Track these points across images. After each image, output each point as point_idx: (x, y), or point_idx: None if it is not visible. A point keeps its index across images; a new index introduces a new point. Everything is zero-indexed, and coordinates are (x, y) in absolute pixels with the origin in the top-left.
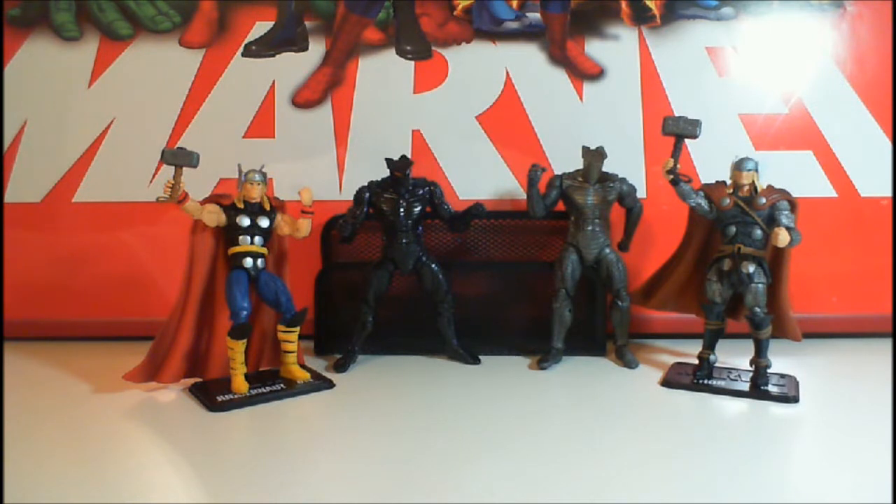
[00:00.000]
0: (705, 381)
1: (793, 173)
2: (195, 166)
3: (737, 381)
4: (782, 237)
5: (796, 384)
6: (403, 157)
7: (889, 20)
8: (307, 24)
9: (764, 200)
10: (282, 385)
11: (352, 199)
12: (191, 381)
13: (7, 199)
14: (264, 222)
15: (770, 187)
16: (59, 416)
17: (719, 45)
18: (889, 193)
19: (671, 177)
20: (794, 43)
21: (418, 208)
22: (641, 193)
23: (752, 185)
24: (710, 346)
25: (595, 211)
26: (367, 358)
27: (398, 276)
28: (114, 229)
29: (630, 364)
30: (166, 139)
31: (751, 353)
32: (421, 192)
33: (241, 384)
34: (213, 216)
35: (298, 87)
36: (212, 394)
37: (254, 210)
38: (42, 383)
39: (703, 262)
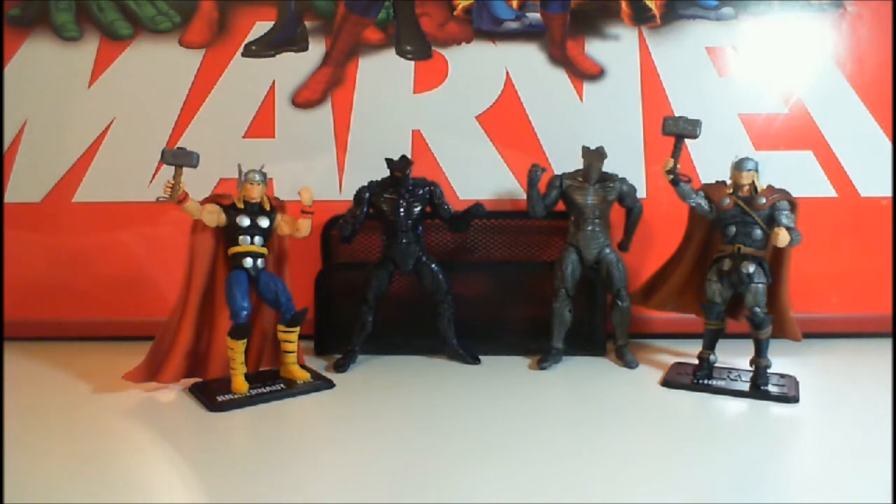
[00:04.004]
0: (705, 381)
1: (793, 173)
2: (195, 166)
3: (737, 381)
4: (782, 237)
5: (796, 384)
6: (403, 157)
7: (889, 20)
8: (307, 24)
9: (764, 200)
10: (282, 385)
11: (352, 199)
12: (191, 381)
13: (7, 199)
14: (264, 222)
15: (770, 187)
16: (59, 416)
17: (719, 45)
18: (889, 193)
19: (671, 177)
20: (794, 43)
21: (418, 208)
22: (641, 193)
23: (752, 185)
24: (710, 346)
25: (595, 211)
26: (367, 358)
27: (398, 276)
28: (114, 229)
29: (630, 364)
30: (166, 139)
31: (751, 353)
32: (421, 192)
33: (241, 384)
34: (213, 216)
35: (298, 87)
36: (212, 394)
37: (254, 210)
38: (42, 383)
39: (703, 262)
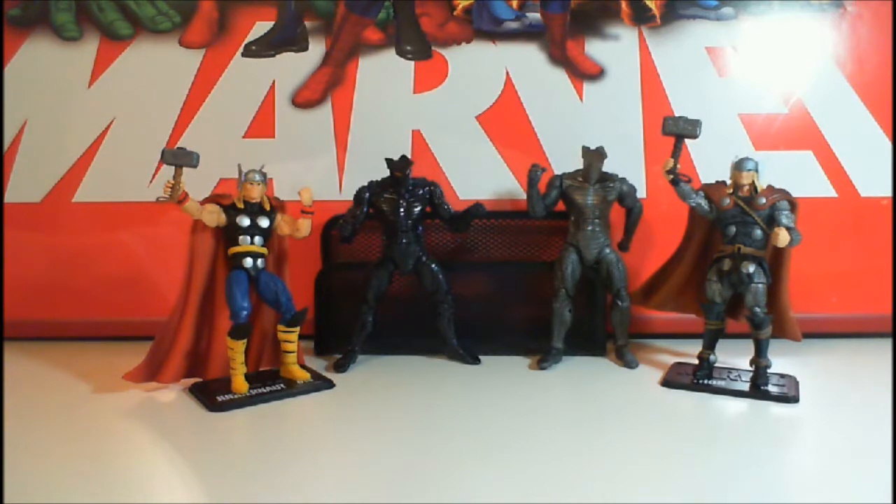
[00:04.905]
0: (705, 381)
1: (793, 173)
2: (195, 166)
3: (737, 381)
4: (782, 237)
5: (796, 384)
6: (403, 157)
7: (889, 20)
8: (307, 24)
9: (764, 200)
10: (282, 385)
11: (352, 199)
12: (191, 381)
13: (7, 199)
14: (264, 222)
15: (770, 187)
16: (59, 416)
17: (719, 45)
18: (889, 193)
19: (671, 177)
20: (794, 43)
21: (418, 208)
22: (641, 193)
23: (752, 185)
24: (710, 346)
25: (595, 211)
26: (367, 358)
27: (398, 276)
28: (114, 229)
29: (630, 364)
30: (166, 139)
31: (751, 353)
32: (421, 192)
33: (241, 384)
34: (213, 216)
35: (298, 87)
36: (212, 394)
37: (254, 210)
38: (42, 383)
39: (703, 262)
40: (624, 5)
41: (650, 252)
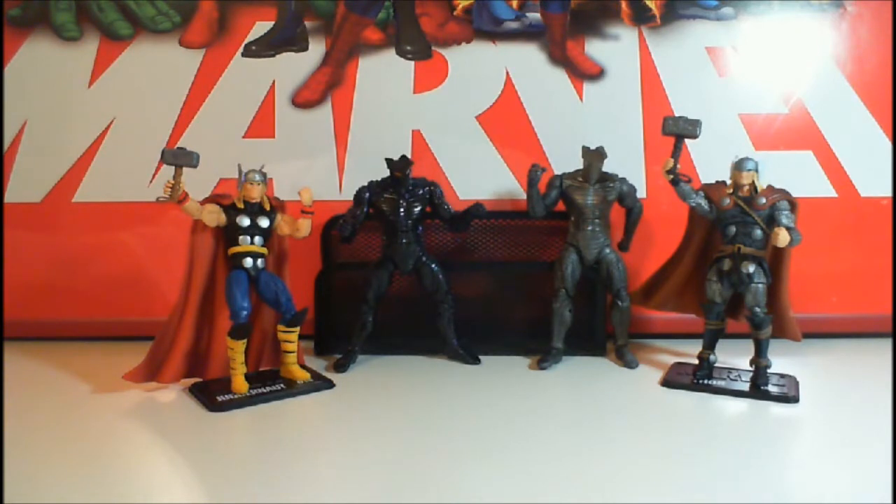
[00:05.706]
0: (705, 381)
1: (793, 173)
2: (195, 166)
3: (737, 381)
4: (782, 237)
5: (796, 384)
6: (403, 157)
7: (889, 20)
8: (307, 24)
9: (764, 200)
10: (282, 385)
11: (352, 199)
12: (191, 381)
13: (7, 199)
14: (264, 222)
15: (770, 187)
16: (59, 416)
17: (719, 45)
18: (889, 193)
19: (671, 177)
20: (794, 43)
21: (418, 208)
22: (641, 193)
23: (752, 185)
24: (710, 346)
25: (595, 211)
26: (367, 358)
27: (398, 276)
28: (114, 229)
29: (630, 364)
30: (166, 139)
31: (751, 353)
32: (421, 192)
33: (241, 384)
34: (213, 216)
35: (298, 87)
36: (212, 394)
37: (254, 210)
38: (42, 383)
39: (703, 262)
40: (624, 5)
41: (650, 252)
